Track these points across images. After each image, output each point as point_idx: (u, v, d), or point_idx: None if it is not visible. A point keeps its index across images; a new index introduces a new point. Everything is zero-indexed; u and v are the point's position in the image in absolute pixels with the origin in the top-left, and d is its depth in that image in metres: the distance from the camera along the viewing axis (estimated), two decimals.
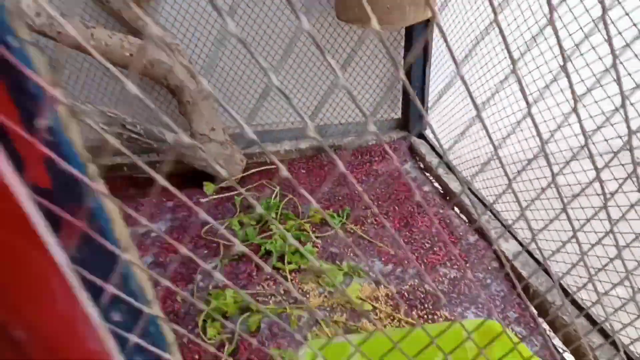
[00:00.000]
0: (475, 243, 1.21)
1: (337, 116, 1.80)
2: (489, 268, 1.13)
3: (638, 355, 0.81)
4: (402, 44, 1.68)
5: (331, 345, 0.76)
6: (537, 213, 1.11)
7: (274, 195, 1.43)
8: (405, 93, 1.74)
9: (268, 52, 1.59)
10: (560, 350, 0.94)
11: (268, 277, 1.12)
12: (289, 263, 1.16)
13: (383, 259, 1.19)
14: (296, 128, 1.77)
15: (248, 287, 1.12)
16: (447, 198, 1.46)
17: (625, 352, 0.83)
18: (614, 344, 0.79)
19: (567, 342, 0.91)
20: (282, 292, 1.09)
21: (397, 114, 1.85)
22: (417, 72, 1.66)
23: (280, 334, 1.00)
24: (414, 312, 1.03)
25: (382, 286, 1.09)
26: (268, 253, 1.20)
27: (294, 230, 1.27)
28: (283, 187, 1.47)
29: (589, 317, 0.91)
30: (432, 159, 1.59)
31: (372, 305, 1.05)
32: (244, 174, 1.58)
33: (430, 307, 1.05)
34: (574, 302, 0.95)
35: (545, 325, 1.00)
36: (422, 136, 1.76)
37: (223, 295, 1.05)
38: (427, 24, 1.38)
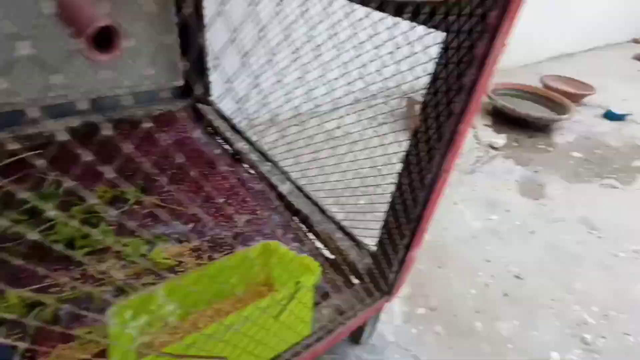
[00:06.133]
0: (262, 189, 1.41)
1: (111, 86, 1.54)
2: (273, 206, 1.34)
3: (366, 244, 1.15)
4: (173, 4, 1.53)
5: (138, 298, 0.75)
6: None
7: (48, 184, 1.24)
8: (184, 57, 1.65)
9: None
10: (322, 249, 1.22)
11: (57, 267, 1.02)
12: (81, 248, 1.06)
13: (183, 220, 1.23)
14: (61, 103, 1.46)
15: (33, 284, 0.99)
16: (237, 156, 1.56)
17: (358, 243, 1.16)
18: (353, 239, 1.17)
19: (325, 243, 1.21)
20: (78, 277, 1.00)
21: (179, 80, 1.71)
22: (193, 35, 1.58)
23: (83, 317, 0.93)
24: (216, 255, 1.13)
25: (187, 243, 1.14)
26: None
27: (79, 215, 1.15)
28: (61, 172, 1.31)
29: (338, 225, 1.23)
30: (220, 123, 1.65)
31: (178, 261, 1.08)
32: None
33: (228, 248, 1.16)
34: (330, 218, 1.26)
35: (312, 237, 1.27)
36: (207, 102, 1.75)
37: (4, 300, 0.91)
38: None
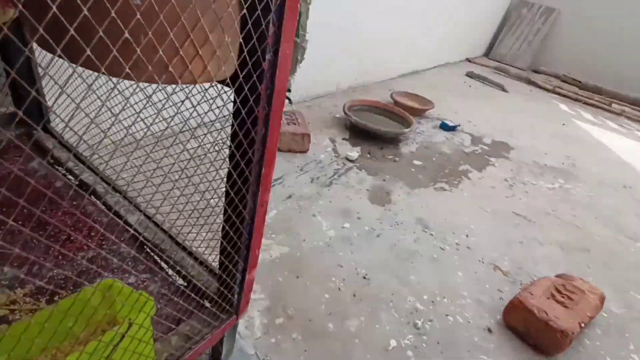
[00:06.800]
0: (110, 222, 1.34)
1: None
2: (121, 239, 1.29)
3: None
4: None
5: None
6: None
7: None
8: (14, 85, 1.48)
9: None
10: (171, 275, 1.26)
11: None
12: None
13: (14, 264, 1.13)
14: None
15: None
16: (83, 188, 1.46)
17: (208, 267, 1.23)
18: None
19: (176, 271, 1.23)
20: None
21: (10, 107, 1.54)
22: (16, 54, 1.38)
23: None
24: (56, 298, 1.05)
25: (19, 289, 1.05)
26: None
27: None
28: None
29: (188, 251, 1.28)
30: (61, 154, 1.55)
31: (8, 309, 0.99)
32: None
33: (71, 288, 1.09)
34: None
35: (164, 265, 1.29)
36: (47, 130, 1.62)
37: None
38: None
